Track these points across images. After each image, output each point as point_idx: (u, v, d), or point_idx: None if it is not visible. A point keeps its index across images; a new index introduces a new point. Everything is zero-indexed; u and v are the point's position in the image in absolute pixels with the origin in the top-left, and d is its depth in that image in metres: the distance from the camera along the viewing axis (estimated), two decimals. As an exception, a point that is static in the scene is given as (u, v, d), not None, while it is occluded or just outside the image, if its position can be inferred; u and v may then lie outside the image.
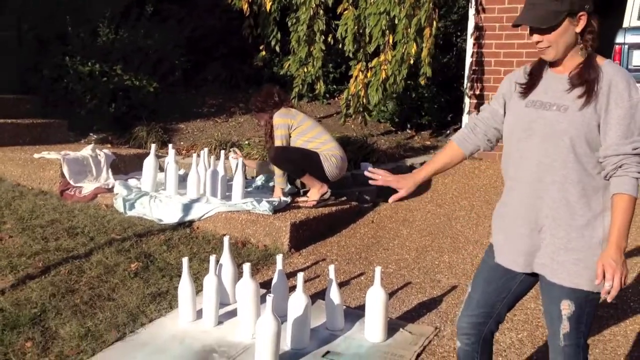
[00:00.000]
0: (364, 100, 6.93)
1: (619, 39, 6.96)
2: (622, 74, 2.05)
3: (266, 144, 5.23)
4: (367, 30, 6.86)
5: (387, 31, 6.68)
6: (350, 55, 7.14)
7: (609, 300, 2.01)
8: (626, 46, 6.90)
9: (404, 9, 6.43)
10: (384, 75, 6.66)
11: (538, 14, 2.06)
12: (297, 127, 5.02)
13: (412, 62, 6.63)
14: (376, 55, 6.89)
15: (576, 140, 2.05)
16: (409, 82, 7.50)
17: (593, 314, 2.17)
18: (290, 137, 5.02)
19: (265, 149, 5.31)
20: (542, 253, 2.16)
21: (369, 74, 6.92)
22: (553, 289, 2.16)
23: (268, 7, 7.45)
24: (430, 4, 6.41)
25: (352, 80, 7.06)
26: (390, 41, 6.69)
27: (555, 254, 2.12)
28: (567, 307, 2.13)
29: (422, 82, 6.91)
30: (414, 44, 6.50)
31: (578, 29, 2.06)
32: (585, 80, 2.05)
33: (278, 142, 4.99)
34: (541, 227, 2.14)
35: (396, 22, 6.58)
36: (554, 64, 2.16)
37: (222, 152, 5.34)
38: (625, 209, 2.02)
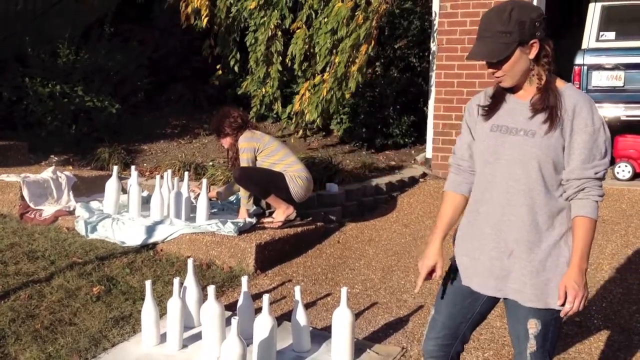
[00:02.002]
0: (307, 118, 6.98)
1: (578, 60, 7.16)
2: (584, 99, 2.10)
3: (231, 167, 5.20)
4: (317, 49, 6.93)
5: (334, 50, 6.76)
6: (299, 74, 7.21)
7: (562, 315, 2.07)
8: (585, 67, 7.09)
9: (350, 29, 6.51)
10: (324, 93, 6.72)
11: (489, 48, 2.09)
12: (263, 150, 5.01)
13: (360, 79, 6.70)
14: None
15: (544, 163, 2.09)
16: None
17: (558, 331, 2.20)
18: (256, 160, 5.01)
19: (230, 171, 5.27)
20: (514, 278, 2.17)
21: (308, 93, 6.99)
22: (519, 309, 2.18)
23: (224, 28, 7.52)
24: (373, 22, 6.49)
25: (297, 98, 7.12)
26: (336, 61, 6.75)
27: (527, 278, 2.14)
28: (534, 326, 2.15)
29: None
30: (356, 61, 6.57)
31: (531, 56, 2.10)
32: (547, 107, 2.09)
33: (244, 165, 4.97)
34: (511, 251, 2.16)
35: (343, 42, 6.66)
36: (515, 90, 2.19)
37: (186, 173, 5.29)
38: (586, 231, 2.07)
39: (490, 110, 2.22)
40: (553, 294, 2.10)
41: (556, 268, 2.11)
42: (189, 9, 7.71)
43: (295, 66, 7.11)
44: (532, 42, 2.08)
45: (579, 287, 2.04)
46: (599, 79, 7.07)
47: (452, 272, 2.36)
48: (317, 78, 6.90)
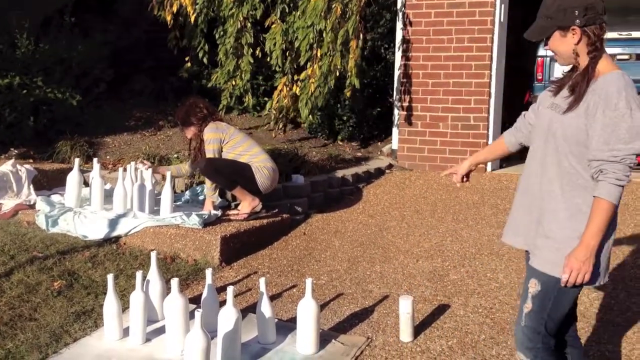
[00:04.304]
0: (294, 114, 6.95)
1: (541, 51, 7.26)
2: (619, 85, 2.15)
3: (195, 158, 5.15)
4: (296, 44, 6.89)
5: (315, 45, 6.73)
6: (277, 68, 7.16)
7: (561, 284, 2.20)
8: (548, 58, 7.19)
9: (329, 22, 6.49)
10: (312, 89, 6.70)
11: (532, 28, 2.33)
12: (229, 141, 4.97)
13: (338, 74, 6.69)
14: (305, 68, 6.93)
15: (568, 139, 2.22)
16: (338, 93, 7.58)
17: (562, 307, 2.28)
18: (222, 151, 4.97)
19: (194, 163, 5.22)
20: (533, 240, 2.34)
21: (294, 88, 6.95)
22: (529, 269, 2.34)
23: (192, 19, 7.40)
24: (357, 17, 6.49)
25: (275, 93, 7.08)
26: (318, 54, 6.74)
27: (541, 241, 2.29)
28: (533, 286, 2.29)
29: (348, 94, 6.99)
30: (340, 56, 6.56)
31: (573, 41, 2.24)
32: (575, 84, 2.24)
33: (210, 156, 4.93)
34: (537, 218, 2.32)
35: (323, 35, 6.64)
36: (575, 70, 2.33)
37: (132, 163, 5.19)
38: (600, 212, 2.15)
39: (557, 87, 2.37)
40: (558, 263, 2.21)
41: (569, 240, 2.21)
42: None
43: (273, 61, 7.05)
44: (571, 28, 2.22)
45: (581, 262, 2.14)
46: (561, 71, 7.18)
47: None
48: (303, 74, 6.86)
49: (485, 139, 6.96)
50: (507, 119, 7.33)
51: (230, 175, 4.90)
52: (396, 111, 7.39)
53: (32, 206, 5.13)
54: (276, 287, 4.14)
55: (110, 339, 3.30)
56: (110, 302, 3.30)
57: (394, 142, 7.50)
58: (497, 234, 4.94)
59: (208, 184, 5.06)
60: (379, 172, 6.95)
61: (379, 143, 7.98)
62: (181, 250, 4.56)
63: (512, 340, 3.33)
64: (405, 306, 3.36)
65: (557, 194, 2.25)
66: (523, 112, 2.60)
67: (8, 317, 3.39)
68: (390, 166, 7.19)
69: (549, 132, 2.27)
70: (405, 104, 7.27)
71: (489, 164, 6.97)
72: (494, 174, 6.85)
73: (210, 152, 4.93)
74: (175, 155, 6.55)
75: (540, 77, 7.34)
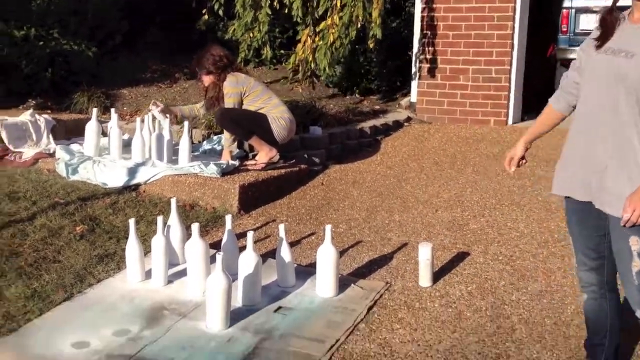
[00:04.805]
0: (312, 65, 6.86)
1: (567, 3, 7.09)
2: None
3: (212, 106, 5.12)
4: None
5: None
6: (299, 20, 7.04)
7: (621, 224, 2.12)
8: (573, 10, 7.03)
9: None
10: (331, 39, 6.60)
11: None
12: (249, 94, 4.93)
13: (359, 25, 6.58)
14: (324, 19, 6.81)
15: (637, 85, 2.12)
16: (357, 46, 7.47)
17: None
18: (242, 104, 4.94)
19: (209, 109, 5.19)
20: (608, 192, 2.21)
21: (316, 39, 6.84)
22: (618, 229, 2.20)
23: None
24: None
25: (299, 46, 6.97)
26: (338, 4, 6.62)
27: (619, 190, 2.16)
28: (636, 243, 2.17)
29: (371, 45, 6.88)
30: (362, 6, 6.44)
31: None
32: None
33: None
34: (606, 167, 2.21)
35: None
36: (633, 16, 2.22)
37: (149, 114, 5.09)
38: None
39: (601, 38, 2.27)
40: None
41: None
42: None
43: (294, 12, 6.92)
44: None
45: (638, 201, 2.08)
46: (587, 23, 7.01)
47: (565, 201, 2.42)
48: (322, 24, 6.74)
49: (507, 91, 6.85)
50: (530, 72, 7.24)
51: (247, 125, 4.88)
52: (416, 64, 7.28)
53: (51, 155, 5.16)
54: (295, 235, 4.15)
55: (132, 280, 3.35)
56: (133, 246, 3.33)
57: (413, 95, 7.41)
58: (517, 185, 4.90)
59: (226, 135, 5.05)
60: (398, 125, 6.89)
61: (398, 96, 7.90)
62: (200, 198, 4.57)
63: (533, 287, 3.34)
64: (424, 252, 3.36)
65: (633, 142, 2.15)
66: (564, 74, 2.50)
67: (32, 259, 3.44)
68: (408, 119, 7.12)
69: (616, 77, 2.17)
70: (425, 57, 7.15)
71: (510, 116, 6.88)
72: (515, 127, 6.77)
73: (230, 105, 4.90)
74: (193, 107, 6.52)
75: (565, 29, 7.18)
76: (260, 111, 4.92)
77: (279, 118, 4.93)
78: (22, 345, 2.72)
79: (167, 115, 5.08)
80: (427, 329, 2.94)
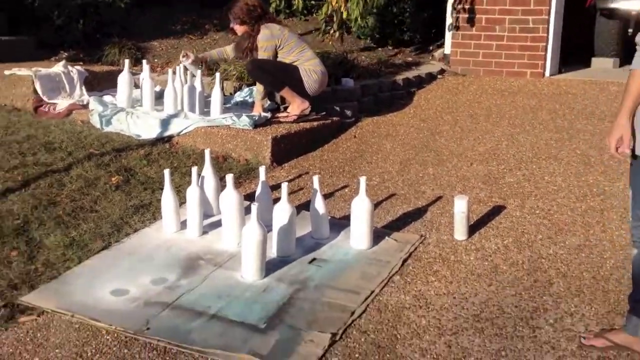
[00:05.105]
0: (344, 15, 6.73)
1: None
2: None
3: (244, 58, 5.05)
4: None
5: None
6: None
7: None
8: None
9: None
10: None
11: None
12: (283, 47, 4.85)
13: None
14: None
15: None
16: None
17: None
18: (276, 57, 4.87)
19: (240, 58, 5.13)
20: None
21: None
22: None
23: None
24: None
25: None
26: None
27: None
28: None
29: None
30: None
31: None
32: None
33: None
34: None
35: None
36: None
37: (181, 65, 5.07)
38: None
39: None
40: None
41: None
42: None
43: None
44: None
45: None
46: None
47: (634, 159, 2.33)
48: None
49: (545, 42, 6.66)
50: (568, 23, 7.00)
51: (279, 77, 4.83)
52: (450, 14, 7.10)
53: (85, 106, 5.18)
54: (328, 187, 4.13)
55: (168, 231, 3.37)
56: (168, 196, 3.35)
57: (447, 47, 7.25)
58: (555, 138, 4.80)
59: (258, 87, 5.00)
60: (431, 77, 6.77)
61: (431, 48, 7.73)
62: (232, 150, 4.56)
63: (571, 241, 3.29)
64: (460, 205, 3.32)
65: None
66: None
67: (70, 209, 3.48)
68: (442, 71, 6.99)
69: None
70: (460, 7, 6.96)
71: (547, 68, 6.70)
72: (552, 79, 6.60)
73: (264, 58, 4.83)
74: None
75: None
76: (293, 64, 4.86)
77: (311, 71, 4.86)
78: (63, 292, 2.77)
79: (200, 65, 5.04)
80: (462, 281, 2.92)
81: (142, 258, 3.09)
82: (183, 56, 5.03)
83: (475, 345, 2.43)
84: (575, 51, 7.19)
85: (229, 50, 5.18)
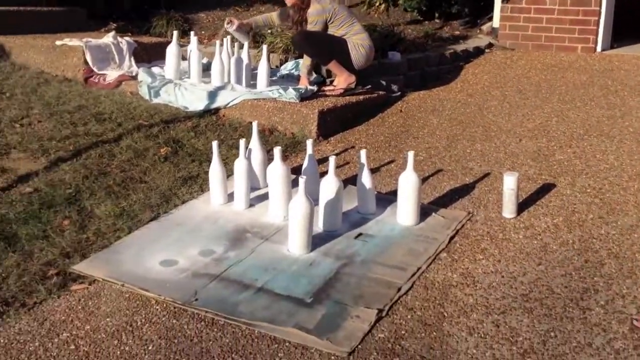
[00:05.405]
0: None
1: None
2: None
3: (295, 29, 5.03)
4: None
5: None
6: None
7: None
8: None
9: None
10: None
11: None
12: (334, 21, 4.81)
13: None
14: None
15: None
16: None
17: None
18: (327, 30, 4.83)
19: (289, 32, 5.11)
20: None
21: None
22: None
23: None
24: None
25: None
26: None
27: None
28: None
29: None
30: None
31: None
32: None
33: None
34: None
35: None
36: None
37: (228, 37, 5.08)
38: None
39: None
40: None
41: None
42: None
43: None
44: None
45: None
46: None
47: None
48: None
49: (597, 16, 6.45)
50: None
51: (324, 48, 4.81)
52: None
53: (134, 77, 5.24)
54: (374, 162, 4.11)
55: (215, 203, 3.41)
56: (216, 168, 3.37)
57: (495, 20, 7.08)
58: (607, 115, 4.67)
59: (305, 60, 4.98)
60: (478, 52, 6.64)
61: (479, 21, 7.57)
62: (279, 123, 4.57)
63: (623, 221, 3.21)
64: (509, 182, 3.27)
65: None
66: None
67: (120, 179, 3.55)
68: (490, 45, 6.84)
69: None
70: (511, -22, 6.79)
71: (599, 43, 6.50)
72: (604, 54, 6.41)
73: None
74: (270, 31, 6.45)
75: None
76: (342, 37, 4.82)
77: (359, 45, 4.82)
78: (113, 261, 2.83)
79: (248, 32, 5.03)
80: (511, 260, 2.89)
81: (190, 229, 3.13)
82: (227, 23, 5.04)
83: (524, 325, 2.41)
84: (628, 26, 6.95)
85: (274, 17, 5.16)
